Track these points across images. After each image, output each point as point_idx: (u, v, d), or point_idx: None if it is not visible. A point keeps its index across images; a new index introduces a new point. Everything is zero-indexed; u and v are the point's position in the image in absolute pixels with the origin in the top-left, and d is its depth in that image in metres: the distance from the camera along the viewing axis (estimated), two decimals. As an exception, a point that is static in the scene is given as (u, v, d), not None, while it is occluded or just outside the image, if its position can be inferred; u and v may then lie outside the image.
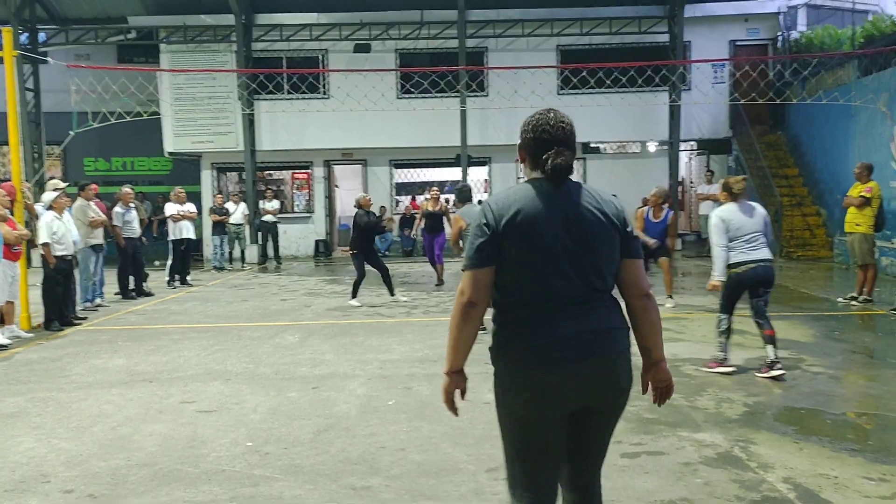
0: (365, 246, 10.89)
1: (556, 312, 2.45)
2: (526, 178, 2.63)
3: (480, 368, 6.57)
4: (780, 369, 6.01)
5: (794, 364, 6.55)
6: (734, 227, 6.16)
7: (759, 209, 6.33)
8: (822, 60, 16.37)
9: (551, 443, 2.52)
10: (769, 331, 6.13)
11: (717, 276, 6.20)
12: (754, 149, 17.74)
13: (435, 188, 13.96)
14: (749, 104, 16.16)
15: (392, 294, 11.00)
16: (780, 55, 18.73)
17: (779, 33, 19.41)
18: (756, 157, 17.60)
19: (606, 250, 2.50)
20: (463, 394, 2.73)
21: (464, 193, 9.17)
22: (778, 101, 15.68)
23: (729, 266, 6.17)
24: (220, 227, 16.20)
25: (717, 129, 19.48)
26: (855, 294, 9.92)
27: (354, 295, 10.81)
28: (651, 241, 9.52)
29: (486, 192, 21.00)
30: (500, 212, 2.46)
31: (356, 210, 11.01)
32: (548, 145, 2.52)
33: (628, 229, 2.56)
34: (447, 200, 15.25)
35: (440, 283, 13.04)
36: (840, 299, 10.08)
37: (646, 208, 10.00)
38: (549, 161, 2.48)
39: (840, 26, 18.80)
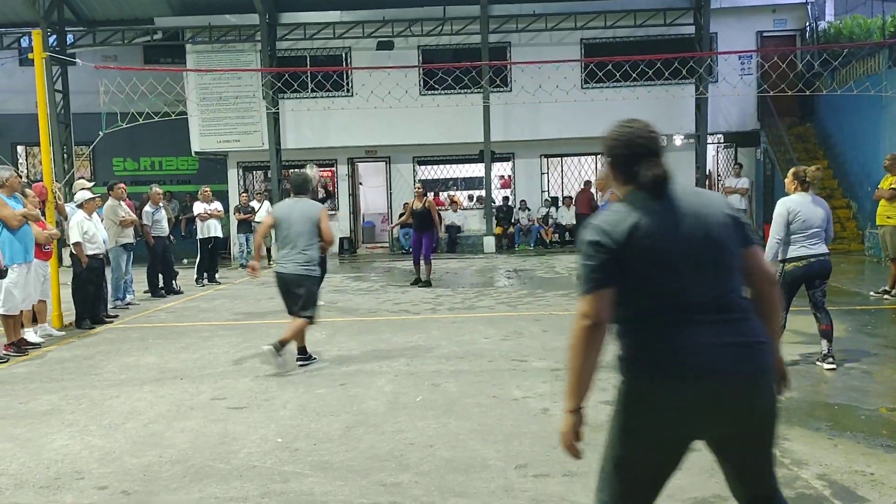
0: None
1: (692, 320, 2.28)
2: (614, 195, 2.54)
3: (508, 365, 6.58)
4: (832, 363, 6.07)
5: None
6: (800, 219, 5.94)
7: (825, 203, 6.16)
8: (852, 50, 16.10)
9: (663, 466, 2.35)
10: (826, 325, 6.10)
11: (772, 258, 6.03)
12: (783, 141, 17.51)
13: (418, 185, 13.31)
14: (777, 95, 15.96)
15: None
16: (808, 46, 18.45)
17: (807, 23, 19.11)
18: (785, 150, 17.37)
19: (730, 246, 2.36)
20: (580, 437, 2.43)
21: (298, 183, 6.87)
22: (807, 93, 15.46)
23: (787, 260, 6.01)
24: (245, 226, 16.30)
25: (744, 121, 19.24)
26: (887, 287, 9.75)
27: None
28: None
29: (508, 187, 20.95)
30: (615, 228, 2.32)
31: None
32: (640, 157, 2.39)
33: (741, 219, 2.43)
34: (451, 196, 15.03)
35: (425, 283, 12.27)
36: (872, 293, 9.92)
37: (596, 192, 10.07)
38: (649, 173, 2.36)
39: (869, 16, 18.49)
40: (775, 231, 6.00)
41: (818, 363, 6.15)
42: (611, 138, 2.48)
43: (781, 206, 6.03)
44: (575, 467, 4.13)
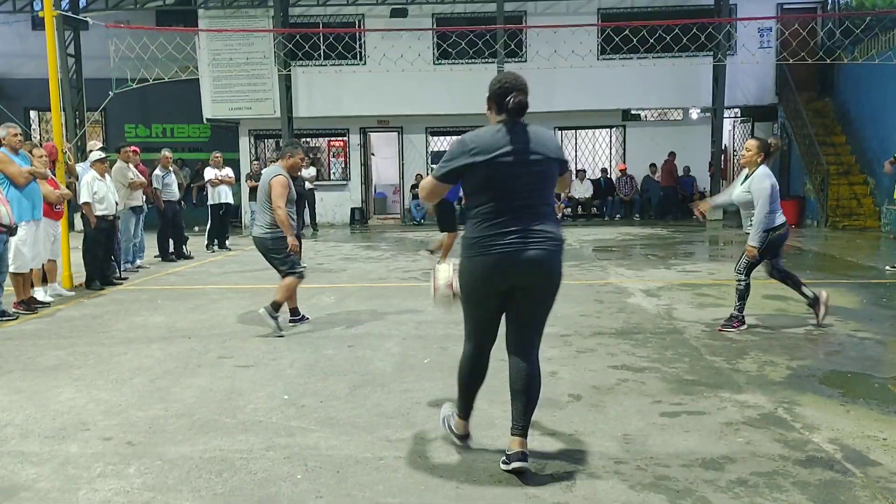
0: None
1: (512, 218, 3.35)
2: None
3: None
4: (824, 294, 6.44)
5: (840, 330, 6.37)
6: (776, 189, 6.18)
7: None
8: (876, 19, 15.75)
9: (491, 306, 3.55)
10: (796, 278, 6.49)
11: (757, 242, 6.19)
12: (801, 116, 17.24)
13: None
14: (797, 65, 15.70)
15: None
16: (829, 13, 18.06)
17: (828, -6, 18.73)
18: (802, 125, 17.12)
19: (553, 172, 3.48)
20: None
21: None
22: (828, 61, 15.12)
23: (776, 227, 6.19)
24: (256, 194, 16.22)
25: (762, 95, 18.94)
26: None
27: None
28: None
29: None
30: (470, 145, 3.39)
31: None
32: (509, 91, 3.43)
33: (565, 159, 3.60)
34: None
35: None
36: (889, 268, 9.78)
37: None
38: (514, 100, 3.40)
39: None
40: (768, 203, 6.10)
41: (816, 308, 6.42)
42: (491, 84, 3.52)
43: (767, 179, 6.13)
44: (582, 427, 4.09)
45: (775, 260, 6.45)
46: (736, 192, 6.43)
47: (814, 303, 6.42)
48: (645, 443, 3.86)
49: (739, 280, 6.39)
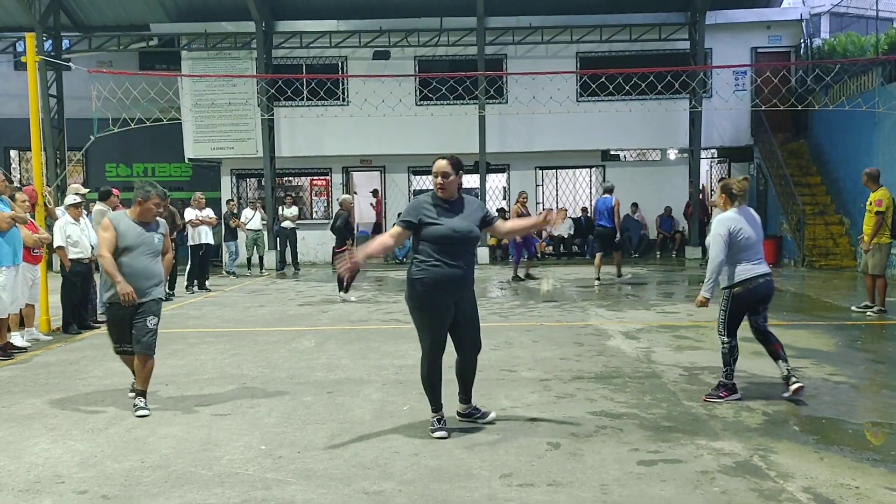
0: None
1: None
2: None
3: (497, 375, 6.56)
4: (796, 382, 5.51)
5: (815, 373, 6.44)
6: (744, 235, 5.51)
7: (757, 215, 5.79)
8: (846, 67, 16.21)
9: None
10: (776, 344, 5.63)
11: (708, 292, 5.63)
12: (776, 156, 17.58)
13: (524, 193, 14.65)
14: (771, 111, 16.03)
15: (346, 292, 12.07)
16: (802, 62, 18.55)
17: (801, 40, 19.24)
18: (778, 165, 17.44)
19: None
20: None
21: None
22: (800, 108, 15.54)
23: (739, 283, 5.53)
24: (231, 233, 16.14)
25: (738, 136, 19.33)
26: (868, 302, 9.74)
27: (347, 290, 12.04)
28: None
29: (504, 199, 20.96)
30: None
31: (341, 211, 12.10)
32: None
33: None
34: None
35: (528, 276, 14.31)
36: (854, 308, 9.90)
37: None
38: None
39: (863, 33, 18.62)
40: (716, 253, 5.50)
41: (787, 391, 5.54)
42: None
43: (720, 226, 5.53)
44: (559, 477, 4.11)
45: (754, 318, 5.68)
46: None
47: (786, 380, 5.56)
48: (622, 493, 3.88)
49: (722, 342, 5.67)
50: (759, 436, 4.78)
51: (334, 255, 11.89)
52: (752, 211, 5.79)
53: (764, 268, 5.59)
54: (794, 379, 5.55)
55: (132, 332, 5.49)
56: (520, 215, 13.38)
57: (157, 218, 5.72)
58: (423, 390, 4.92)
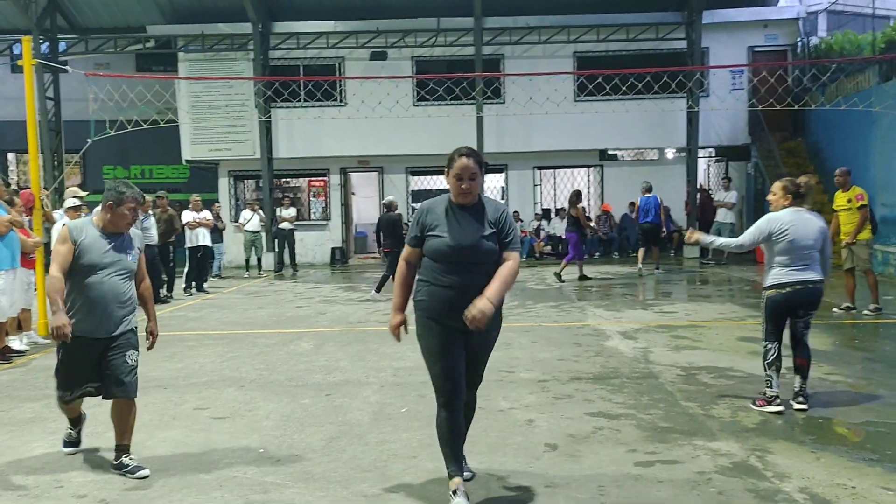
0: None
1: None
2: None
3: (495, 376, 6.56)
4: (802, 403, 5.33)
5: (812, 373, 6.43)
6: (788, 237, 5.23)
7: (820, 221, 5.43)
8: (842, 66, 16.22)
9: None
10: (802, 360, 5.41)
11: (707, 240, 5.63)
12: (774, 155, 17.60)
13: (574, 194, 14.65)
14: (769, 110, 16.05)
15: (378, 291, 12.44)
16: (799, 61, 18.57)
17: (798, 39, 19.25)
18: (775, 164, 17.45)
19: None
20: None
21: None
22: (796, 107, 15.55)
23: (772, 286, 5.34)
24: (217, 235, 16.01)
25: (735, 135, 19.34)
26: (848, 304, 9.75)
27: (379, 290, 12.29)
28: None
29: (502, 198, 20.98)
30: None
31: (388, 213, 12.60)
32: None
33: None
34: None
35: (582, 277, 14.33)
36: (835, 309, 9.83)
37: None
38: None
39: (860, 32, 18.62)
40: (742, 239, 5.44)
41: (790, 401, 5.38)
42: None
43: (764, 221, 5.38)
44: (557, 479, 4.12)
45: (794, 321, 5.40)
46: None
47: (794, 395, 5.42)
48: (619, 494, 3.89)
49: (764, 346, 5.45)
50: (756, 436, 4.79)
51: (384, 254, 12.80)
52: (811, 215, 5.45)
53: (808, 275, 5.27)
54: (801, 398, 5.38)
55: (106, 373, 4.37)
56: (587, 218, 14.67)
57: (133, 229, 4.57)
58: (439, 445, 3.89)
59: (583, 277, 14.31)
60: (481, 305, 3.55)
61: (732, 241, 5.66)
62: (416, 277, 3.92)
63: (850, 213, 9.54)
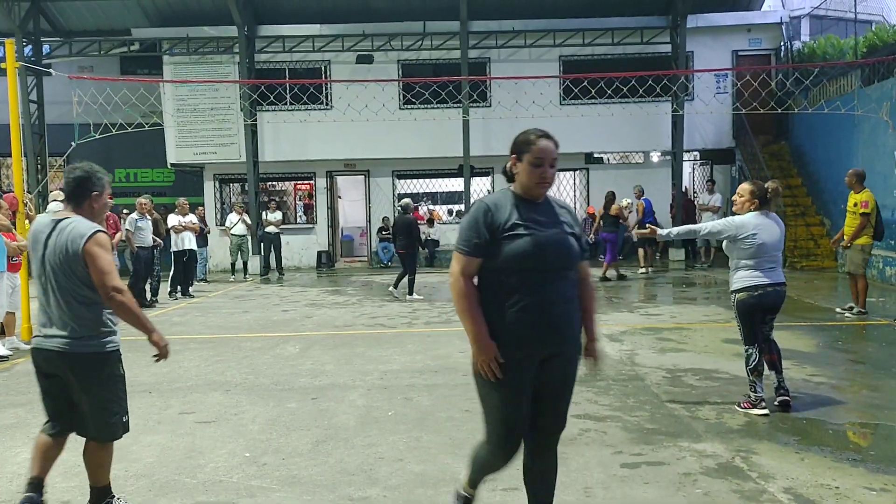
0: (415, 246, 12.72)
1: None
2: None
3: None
4: (783, 396, 5.40)
5: (796, 374, 6.51)
6: (757, 241, 5.25)
7: (781, 224, 5.48)
8: (825, 70, 16.38)
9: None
10: (773, 355, 5.50)
11: (664, 234, 5.61)
12: (758, 158, 17.71)
13: (610, 193, 15.13)
14: (752, 114, 16.17)
15: (410, 293, 12.43)
16: (782, 65, 18.74)
17: (781, 43, 19.41)
18: (759, 167, 17.56)
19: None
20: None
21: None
22: (780, 111, 15.68)
23: (742, 289, 5.32)
24: (201, 239, 15.96)
25: (720, 139, 19.45)
26: (853, 304, 9.82)
27: (411, 291, 12.45)
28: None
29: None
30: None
31: (404, 215, 12.73)
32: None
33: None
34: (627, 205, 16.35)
35: (621, 276, 14.83)
36: (838, 310, 9.98)
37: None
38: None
39: (843, 36, 18.83)
40: (708, 229, 5.55)
41: (774, 399, 5.43)
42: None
43: (732, 224, 5.36)
44: (544, 481, 4.12)
45: (762, 326, 5.44)
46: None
47: (775, 391, 5.47)
48: (605, 496, 3.91)
49: (745, 351, 5.43)
50: (741, 437, 4.82)
51: (401, 255, 12.68)
52: (776, 218, 5.49)
53: (774, 277, 5.31)
54: (782, 391, 5.46)
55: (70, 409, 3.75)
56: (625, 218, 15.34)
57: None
58: (468, 484, 3.40)
59: (621, 277, 14.85)
60: (598, 350, 3.25)
61: (685, 232, 5.82)
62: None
63: (854, 216, 9.63)
